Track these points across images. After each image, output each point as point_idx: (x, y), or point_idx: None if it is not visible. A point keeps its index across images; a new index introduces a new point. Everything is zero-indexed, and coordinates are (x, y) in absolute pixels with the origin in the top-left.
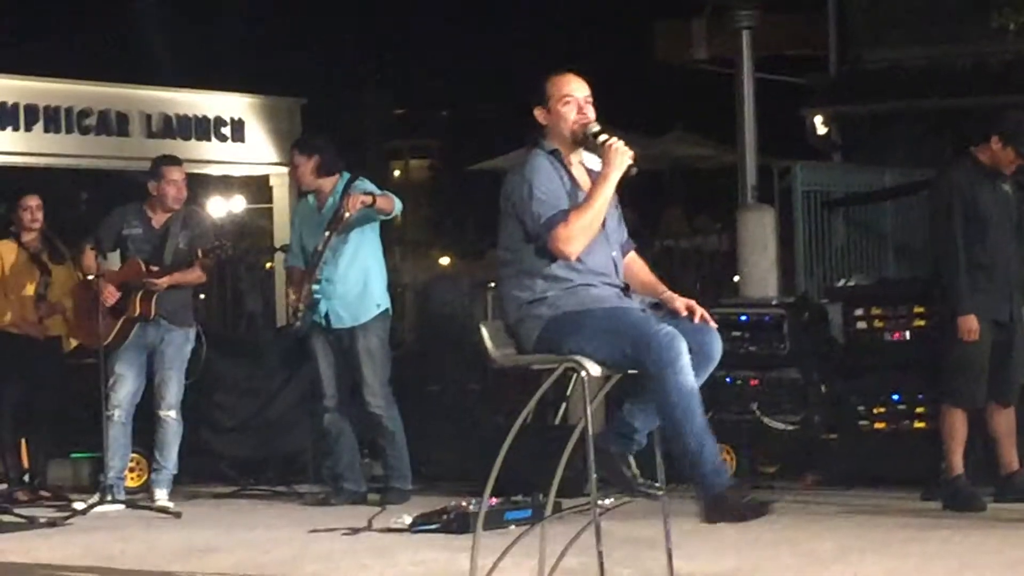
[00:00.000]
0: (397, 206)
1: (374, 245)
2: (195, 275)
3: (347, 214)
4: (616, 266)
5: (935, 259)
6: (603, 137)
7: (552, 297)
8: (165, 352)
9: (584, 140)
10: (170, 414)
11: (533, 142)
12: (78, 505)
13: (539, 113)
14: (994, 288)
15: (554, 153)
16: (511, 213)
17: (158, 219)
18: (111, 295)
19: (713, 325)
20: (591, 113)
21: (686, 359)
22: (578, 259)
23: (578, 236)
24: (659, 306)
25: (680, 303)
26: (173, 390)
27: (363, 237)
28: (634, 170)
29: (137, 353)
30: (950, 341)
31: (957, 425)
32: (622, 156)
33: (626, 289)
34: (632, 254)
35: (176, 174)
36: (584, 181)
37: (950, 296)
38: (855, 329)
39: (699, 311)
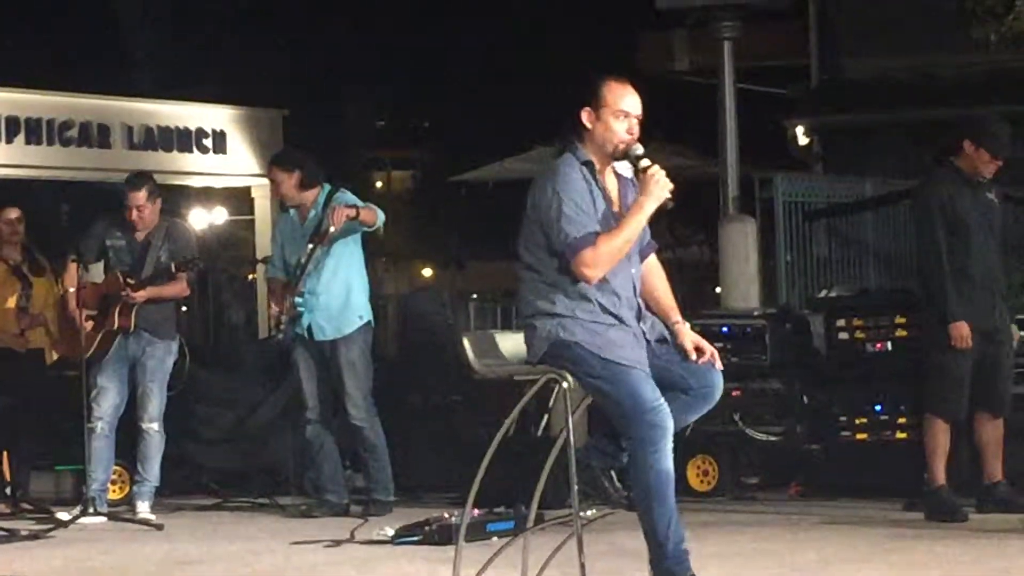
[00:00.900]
0: (380, 218)
1: (356, 257)
2: (176, 288)
3: (332, 229)
4: (635, 285)
5: (920, 268)
6: (645, 163)
7: (569, 323)
8: (147, 364)
9: (623, 158)
10: (152, 426)
11: (565, 146)
12: (62, 516)
13: (586, 115)
14: (978, 297)
15: (587, 165)
16: (536, 220)
17: (140, 231)
18: (77, 312)
19: (719, 366)
20: (636, 134)
21: (668, 442)
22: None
23: (604, 263)
24: (668, 339)
25: (689, 343)
26: (155, 402)
27: (345, 249)
28: (670, 204)
29: (119, 365)
30: (935, 351)
31: (940, 435)
32: (662, 188)
33: (640, 312)
34: (653, 261)
35: (137, 199)
36: (614, 190)
37: (938, 305)
38: (837, 339)
39: (708, 351)
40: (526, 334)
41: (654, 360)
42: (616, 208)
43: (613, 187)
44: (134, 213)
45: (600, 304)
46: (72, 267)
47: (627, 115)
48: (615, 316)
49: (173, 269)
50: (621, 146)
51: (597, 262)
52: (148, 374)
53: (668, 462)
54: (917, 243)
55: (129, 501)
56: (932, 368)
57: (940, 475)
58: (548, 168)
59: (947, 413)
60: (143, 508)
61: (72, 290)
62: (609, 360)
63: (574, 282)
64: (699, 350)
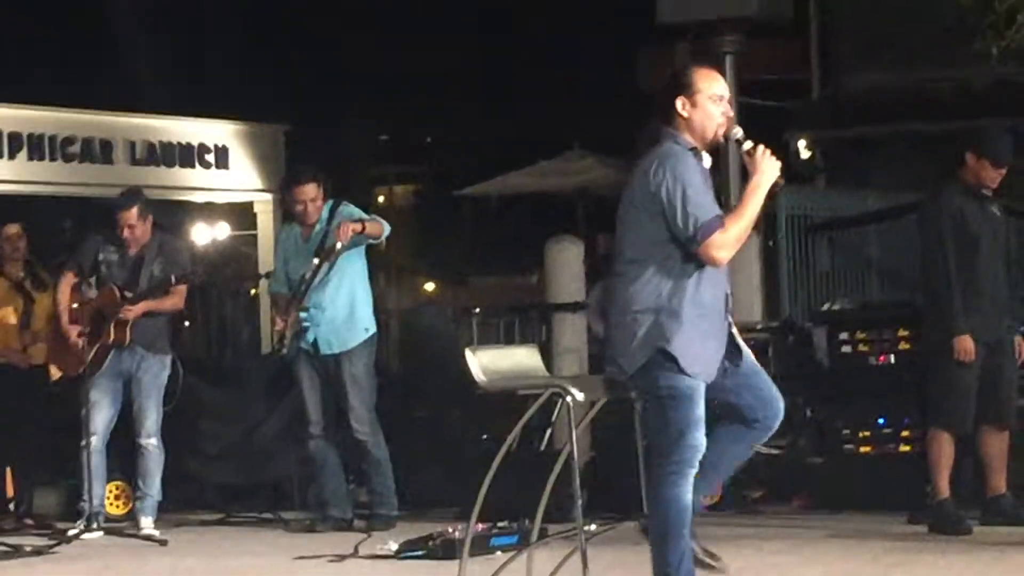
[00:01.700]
0: (386, 230)
1: (360, 270)
2: (171, 302)
3: (339, 244)
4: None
5: (926, 281)
6: (749, 144)
7: (672, 323)
8: (142, 380)
9: (723, 141)
10: (151, 442)
11: (661, 136)
12: (72, 531)
13: (682, 103)
14: (985, 309)
15: (693, 151)
16: (645, 210)
17: (133, 246)
18: (71, 330)
19: None
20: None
21: (692, 476)
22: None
23: (733, 244)
24: (737, 355)
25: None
26: (152, 418)
27: (349, 262)
28: (782, 181)
29: (112, 380)
30: (941, 364)
31: (945, 448)
32: (774, 164)
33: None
34: None
35: (128, 217)
36: (708, 183)
37: (944, 318)
38: (840, 353)
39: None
40: (621, 334)
41: (725, 382)
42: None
43: (707, 177)
44: (126, 231)
45: (700, 300)
46: (66, 282)
47: (721, 98)
48: (709, 315)
49: (173, 282)
50: (720, 129)
51: (726, 244)
52: (144, 389)
53: (687, 496)
54: (923, 256)
55: (132, 517)
56: (938, 381)
57: (944, 488)
58: (654, 157)
59: (953, 426)
60: (147, 523)
61: (65, 306)
62: (693, 378)
63: (681, 272)
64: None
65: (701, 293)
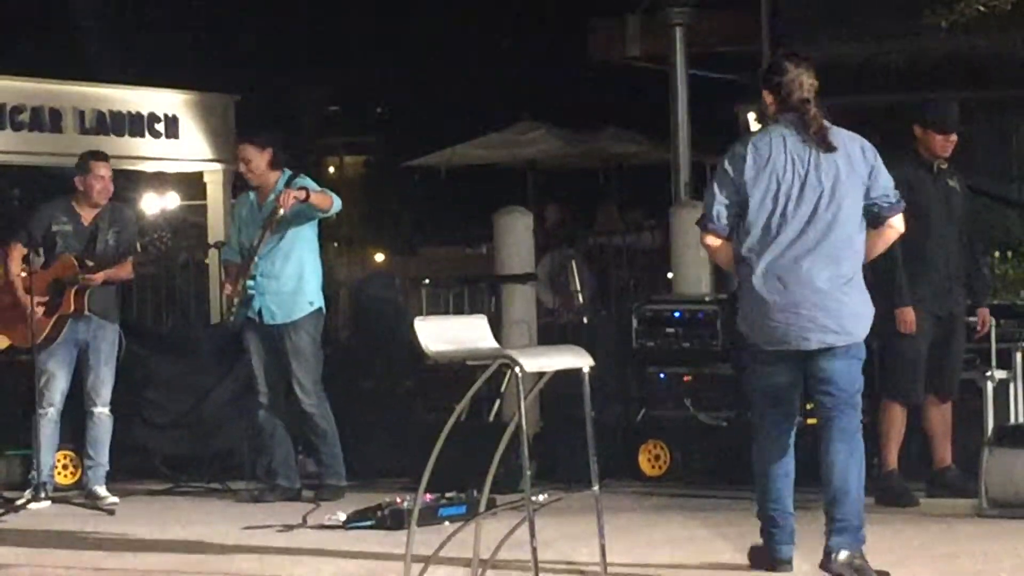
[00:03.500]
0: (336, 204)
1: (310, 243)
2: (127, 270)
3: (281, 211)
4: None
5: None
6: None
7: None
8: (100, 348)
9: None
10: (104, 411)
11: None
12: (19, 501)
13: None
14: (934, 282)
15: None
16: (863, 180)
17: (86, 215)
18: (25, 299)
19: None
20: None
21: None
22: None
23: None
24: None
25: None
26: (108, 386)
27: (299, 234)
28: None
29: (68, 350)
30: (888, 336)
31: (896, 421)
32: None
33: None
34: None
35: (103, 170)
36: None
37: (887, 290)
38: None
39: None
40: (849, 299)
41: None
42: None
43: None
44: (98, 183)
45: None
46: (16, 252)
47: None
48: None
49: (138, 249)
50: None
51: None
52: (101, 358)
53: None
54: None
55: (81, 486)
56: (887, 353)
57: (892, 460)
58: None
59: (903, 397)
60: (103, 491)
61: (17, 276)
62: None
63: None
64: None
65: None
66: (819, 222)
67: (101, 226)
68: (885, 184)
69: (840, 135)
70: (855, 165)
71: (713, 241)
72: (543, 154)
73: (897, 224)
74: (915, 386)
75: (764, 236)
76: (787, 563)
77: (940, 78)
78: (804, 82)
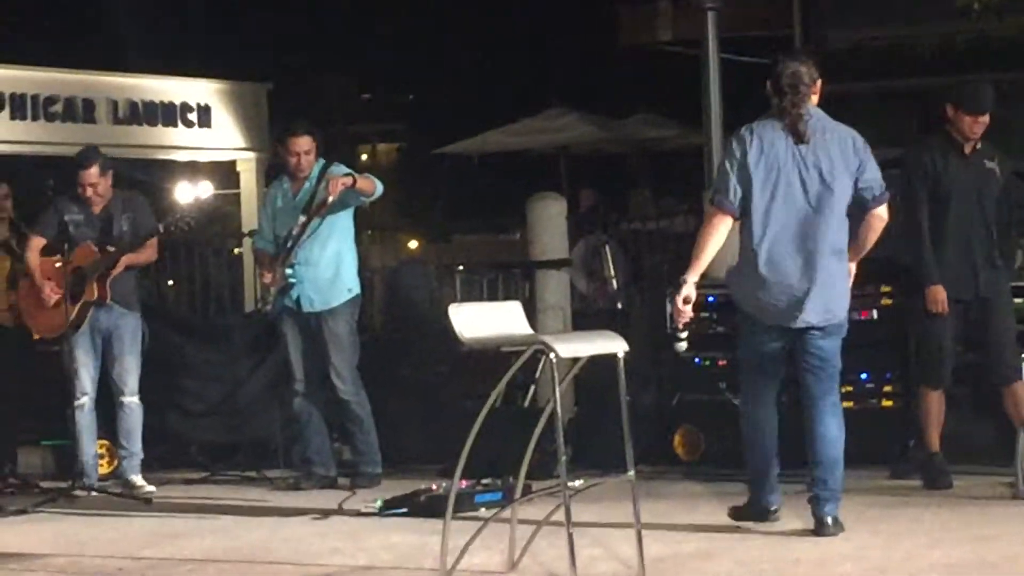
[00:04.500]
0: (379, 189)
1: (348, 230)
2: (147, 255)
3: (330, 198)
4: None
5: (902, 234)
6: None
7: None
8: (124, 337)
9: None
10: (134, 399)
11: None
12: (58, 488)
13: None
14: (953, 265)
15: None
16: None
17: (96, 205)
18: (52, 292)
19: None
20: None
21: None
22: None
23: None
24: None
25: None
26: (135, 374)
27: (336, 221)
28: None
29: (92, 338)
30: (916, 318)
31: (932, 405)
32: None
33: None
34: None
35: (89, 176)
36: None
37: (916, 270)
38: None
39: None
40: (838, 280)
41: None
42: None
43: None
44: (88, 190)
45: None
46: (36, 246)
47: None
48: None
49: (160, 231)
50: None
51: None
52: (125, 347)
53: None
54: (901, 209)
55: (118, 475)
56: (917, 338)
57: (934, 443)
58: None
59: (927, 381)
60: (139, 480)
61: (37, 268)
62: None
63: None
64: None
65: None
66: (813, 207)
67: (114, 213)
68: (872, 177)
69: (837, 129)
70: (847, 157)
71: (721, 218)
72: (575, 140)
73: (881, 213)
74: (940, 370)
75: (764, 218)
76: (775, 512)
77: (971, 60)
78: (788, 74)
